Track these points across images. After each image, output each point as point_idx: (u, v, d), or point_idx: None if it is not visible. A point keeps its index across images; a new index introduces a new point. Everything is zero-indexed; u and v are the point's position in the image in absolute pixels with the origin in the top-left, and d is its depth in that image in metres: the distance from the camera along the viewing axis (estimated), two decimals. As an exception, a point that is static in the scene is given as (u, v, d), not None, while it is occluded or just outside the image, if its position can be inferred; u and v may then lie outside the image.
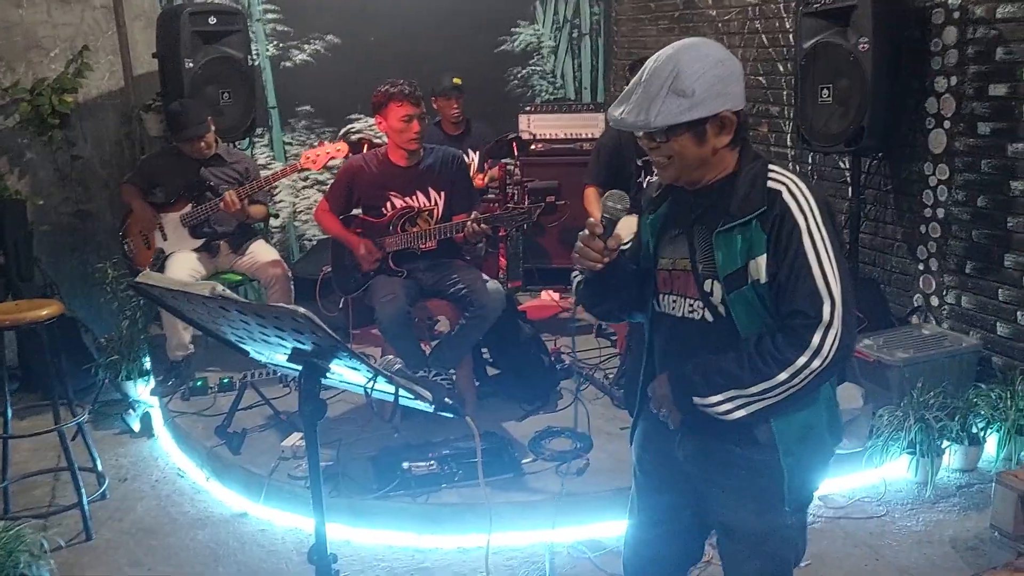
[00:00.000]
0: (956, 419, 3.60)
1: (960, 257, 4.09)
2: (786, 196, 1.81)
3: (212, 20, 5.22)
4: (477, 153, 5.56)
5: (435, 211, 3.92)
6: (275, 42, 6.08)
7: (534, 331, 4.33)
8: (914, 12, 4.00)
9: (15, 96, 5.56)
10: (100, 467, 3.88)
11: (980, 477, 3.67)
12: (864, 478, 3.67)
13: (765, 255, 1.79)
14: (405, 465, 3.53)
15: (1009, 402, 3.63)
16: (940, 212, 4.14)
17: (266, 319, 1.65)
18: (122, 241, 4.93)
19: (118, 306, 5.18)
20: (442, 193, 3.93)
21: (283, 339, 1.82)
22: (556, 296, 5.68)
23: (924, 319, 4.27)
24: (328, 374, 1.90)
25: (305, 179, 6.24)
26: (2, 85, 5.58)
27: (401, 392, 1.86)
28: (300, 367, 1.87)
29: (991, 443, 3.75)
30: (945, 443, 3.62)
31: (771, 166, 1.87)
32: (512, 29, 6.41)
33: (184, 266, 4.62)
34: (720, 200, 1.88)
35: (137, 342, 4.96)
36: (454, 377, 4.00)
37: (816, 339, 1.74)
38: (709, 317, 1.90)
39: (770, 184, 1.83)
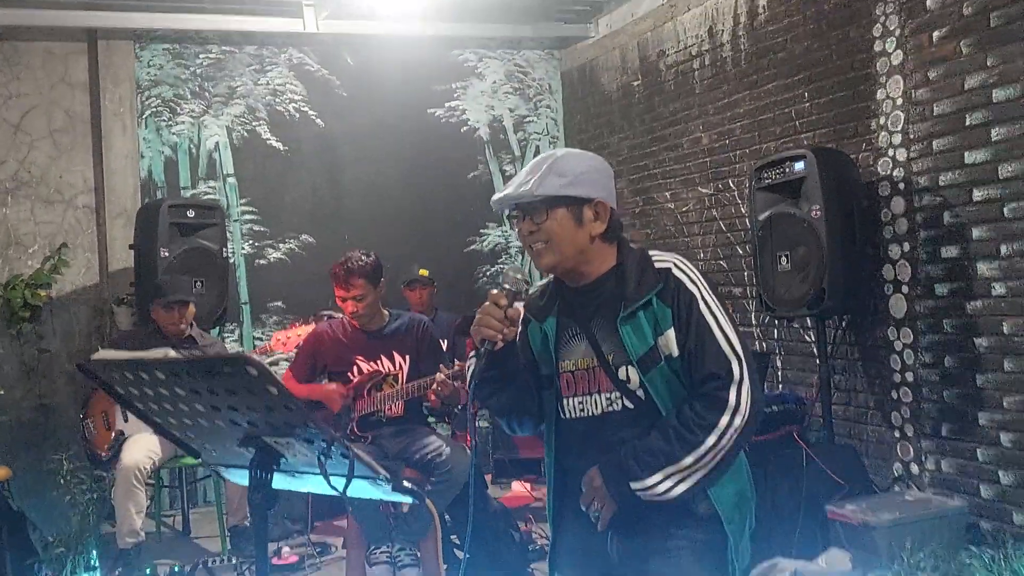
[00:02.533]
0: (951, 581, 3.41)
1: (935, 420, 4.05)
2: (676, 272, 1.93)
3: (191, 213, 5.40)
4: (445, 342, 5.59)
5: (400, 376, 3.88)
6: (251, 241, 6.26)
7: (503, 506, 4.15)
8: (861, 186, 4.23)
9: (-11, 291, 5.61)
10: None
11: (985, 648, 3.42)
12: (862, 650, 3.40)
13: (672, 328, 1.89)
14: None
15: (1003, 563, 3.45)
16: (909, 376, 4.15)
17: (216, 375, 1.57)
18: (82, 422, 4.78)
19: (70, 500, 4.95)
20: (407, 357, 3.91)
21: (235, 420, 1.74)
22: (528, 487, 5.53)
23: (907, 487, 4.15)
24: (282, 461, 1.79)
25: (275, 364, 6.18)
26: (-23, 281, 5.66)
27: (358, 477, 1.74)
28: (252, 450, 1.77)
29: (991, 611, 3.52)
30: (943, 609, 3.40)
31: (650, 251, 2.00)
32: (481, 231, 6.67)
33: (142, 448, 4.47)
34: (613, 290, 1.96)
35: (87, 536, 4.69)
36: (418, 553, 3.79)
37: (732, 397, 1.85)
38: (629, 404, 1.93)
39: (658, 264, 1.96)
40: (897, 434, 4.23)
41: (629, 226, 6.18)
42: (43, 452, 5.51)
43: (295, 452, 1.76)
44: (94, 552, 4.66)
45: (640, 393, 1.92)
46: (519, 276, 1.98)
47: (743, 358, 1.89)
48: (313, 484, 1.85)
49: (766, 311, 4.45)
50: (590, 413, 1.98)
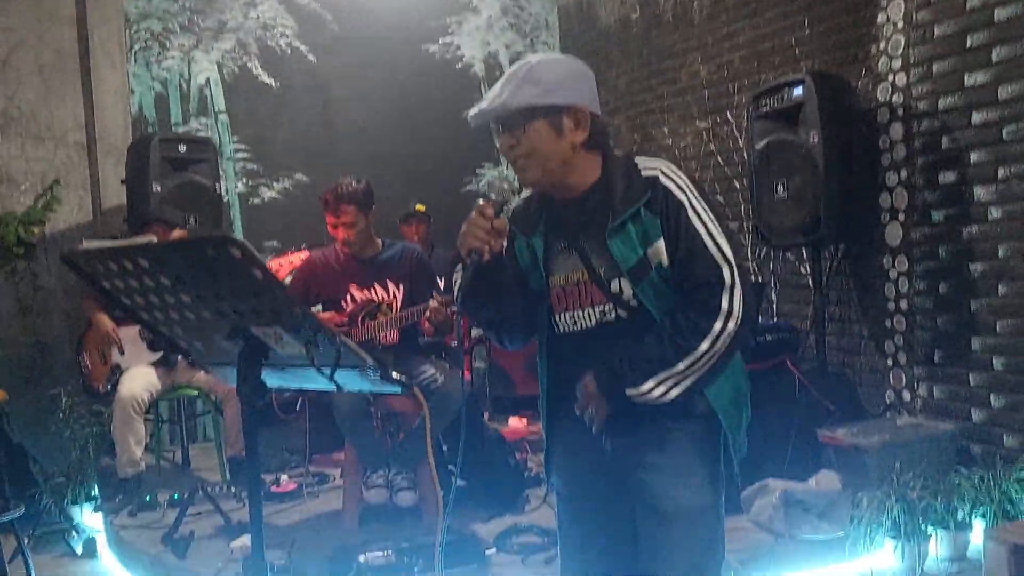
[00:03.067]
0: (939, 500, 3.43)
1: (927, 347, 4.06)
2: (663, 180, 1.89)
3: (182, 148, 5.35)
4: (442, 281, 5.58)
5: (394, 304, 3.87)
6: (244, 179, 6.21)
7: (498, 433, 4.18)
8: (860, 113, 4.19)
9: (-19, 227, 5.58)
10: (33, 573, 3.57)
11: (972, 566, 3.46)
12: (849, 568, 3.44)
13: (662, 238, 1.86)
14: (361, 558, 3.28)
15: (993, 483, 3.48)
16: (904, 304, 4.15)
17: (199, 259, 1.56)
18: (78, 356, 4.78)
19: (70, 434, 4.97)
20: (400, 286, 3.89)
21: (221, 310, 1.73)
22: (524, 422, 5.56)
23: (899, 413, 4.18)
24: (270, 354, 1.79)
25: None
26: (-30, 217, 5.62)
27: (346, 367, 1.74)
28: (240, 343, 1.76)
29: (978, 531, 3.56)
30: (930, 529, 3.43)
31: (636, 158, 1.95)
32: (477, 170, 6.62)
33: (140, 381, 4.47)
34: (600, 202, 1.92)
35: (87, 467, 4.73)
36: (413, 478, 3.81)
37: (725, 303, 1.84)
38: (623, 314, 1.93)
39: (645, 173, 1.91)
40: (890, 362, 4.24)
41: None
42: (42, 388, 5.51)
43: (283, 343, 1.75)
44: (95, 483, 4.72)
45: (633, 303, 1.92)
46: (505, 186, 1.96)
47: (733, 263, 1.87)
48: (302, 377, 1.85)
49: (762, 241, 4.43)
50: (583, 327, 1.97)
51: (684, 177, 1.93)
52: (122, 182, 5.50)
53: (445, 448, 4.28)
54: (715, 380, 1.90)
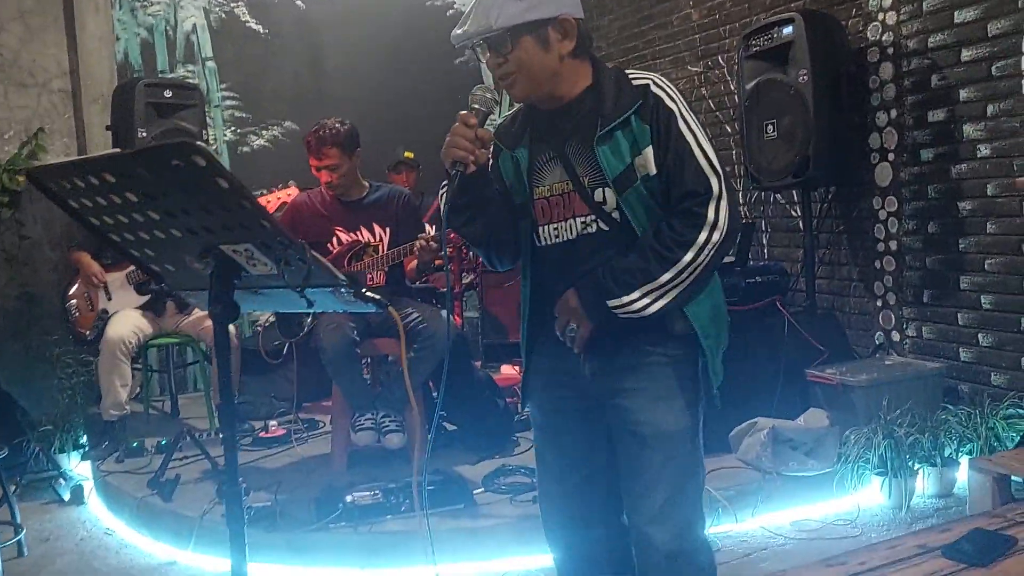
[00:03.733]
0: (927, 436, 3.44)
1: (916, 287, 4.05)
2: (654, 88, 1.86)
3: (168, 93, 5.26)
4: (433, 227, 5.55)
5: (380, 246, 3.84)
6: (233, 128, 6.14)
7: (487, 374, 4.17)
8: (850, 52, 4.13)
9: (-35, 176, 5.52)
10: (19, 519, 3.58)
11: (958, 502, 3.48)
12: (836, 505, 3.46)
13: (651, 146, 1.82)
14: (348, 498, 3.28)
15: (979, 419, 3.49)
16: (893, 244, 4.13)
17: (165, 170, 1.52)
18: (64, 304, 4.76)
19: (58, 384, 4.96)
20: (387, 228, 3.86)
21: (191, 227, 1.70)
22: (517, 369, 5.56)
23: (887, 354, 4.17)
24: (242, 274, 1.77)
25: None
26: (-47, 166, 5.56)
27: (316, 287, 1.71)
28: (212, 264, 1.73)
29: (965, 467, 3.57)
30: (917, 466, 3.45)
31: (627, 69, 1.92)
32: (469, 117, 6.55)
33: (127, 323, 4.45)
34: (589, 110, 1.89)
35: (74, 415, 4.72)
36: (402, 420, 3.81)
37: (711, 213, 1.80)
38: (604, 227, 1.89)
39: (635, 82, 1.88)
40: (879, 303, 4.23)
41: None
42: (29, 339, 5.49)
43: (255, 262, 1.73)
44: (82, 431, 4.72)
45: (616, 215, 1.89)
46: (488, 95, 1.90)
47: (721, 174, 1.84)
48: (275, 300, 1.83)
49: (752, 183, 4.39)
50: (565, 238, 1.94)
51: (674, 88, 1.90)
52: (107, 128, 5.44)
53: (435, 393, 4.28)
54: (696, 295, 1.87)
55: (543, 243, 1.98)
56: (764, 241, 4.91)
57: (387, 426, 3.81)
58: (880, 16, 4.07)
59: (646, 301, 1.83)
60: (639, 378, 1.91)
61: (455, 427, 4.27)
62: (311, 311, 1.77)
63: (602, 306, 1.85)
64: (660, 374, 1.90)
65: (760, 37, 4.18)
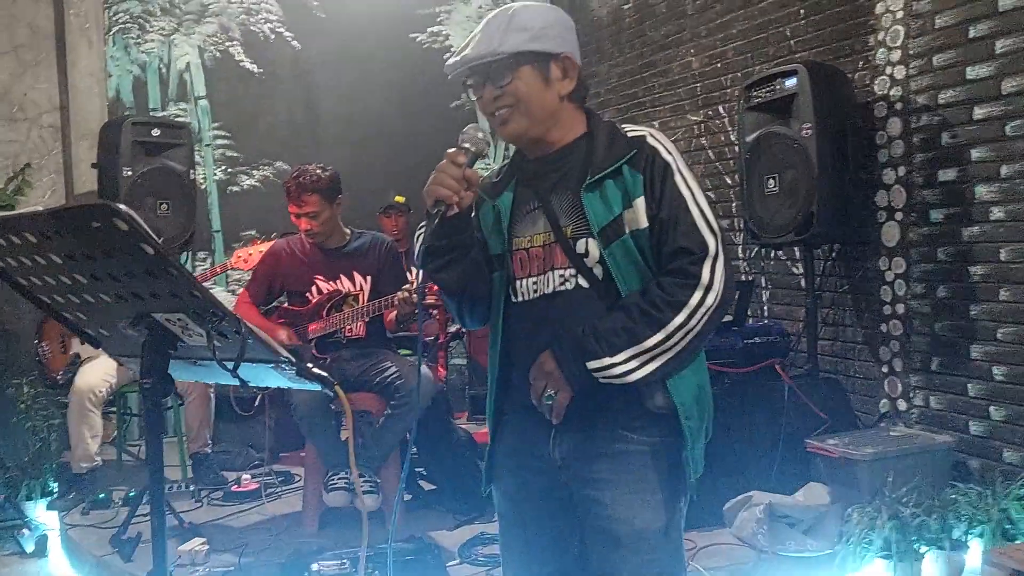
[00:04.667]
0: (934, 517, 3.23)
1: (924, 354, 3.85)
2: (650, 140, 1.74)
3: (156, 132, 5.13)
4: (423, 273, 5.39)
5: (360, 296, 3.67)
6: (223, 167, 6.02)
7: (468, 434, 3.98)
8: (856, 106, 3.99)
9: (-53, 210, 5.39)
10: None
11: (967, 588, 3.26)
12: (837, 587, 3.24)
13: (643, 197, 1.69)
14: (315, 566, 3.08)
15: (991, 500, 3.28)
16: (900, 308, 3.94)
17: (85, 233, 1.36)
18: (36, 346, 4.59)
19: (31, 427, 4.78)
20: (368, 278, 3.70)
21: (120, 293, 1.53)
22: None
23: (894, 423, 3.97)
24: (178, 344, 1.59)
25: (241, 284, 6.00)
26: (-63, 200, 5.43)
27: (256, 361, 1.54)
28: (144, 333, 1.56)
29: (975, 551, 3.35)
30: (924, 548, 3.23)
31: (623, 124, 1.81)
32: (464, 161, 6.44)
33: (97, 371, 4.27)
34: (579, 159, 1.76)
35: (44, 462, 4.53)
36: (378, 481, 3.61)
37: (706, 273, 1.65)
38: (584, 283, 1.74)
39: (631, 133, 1.76)
40: (885, 369, 4.04)
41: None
42: (4, 378, 5.32)
43: (190, 333, 1.56)
44: (51, 478, 4.52)
45: (598, 271, 1.73)
46: (480, 135, 1.76)
47: (718, 233, 1.71)
48: (213, 372, 1.65)
49: (752, 240, 4.23)
50: (542, 293, 1.78)
51: (671, 142, 1.79)
52: (93, 166, 5.31)
53: (414, 450, 4.08)
54: (684, 366, 1.70)
55: (518, 298, 1.81)
56: (764, 299, 4.73)
57: (361, 487, 3.61)
58: (888, 70, 3.93)
59: (632, 365, 1.65)
60: (614, 467, 1.73)
61: (433, 487, 4.07)
62: (243, 385, 1.59)
63: (583, 370, 1.67)
64: (636, 463, 1.72)
65: (762, 88, 4.04)
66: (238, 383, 1.53)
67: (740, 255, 4.88)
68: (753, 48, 4.71)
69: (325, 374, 1.55)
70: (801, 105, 3.82)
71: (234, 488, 4.15)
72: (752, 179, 4.10)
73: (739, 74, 4.82)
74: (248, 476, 4.28)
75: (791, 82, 3.88)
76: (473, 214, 1.84)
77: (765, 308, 4.74)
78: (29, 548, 4.07)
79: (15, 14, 5.60)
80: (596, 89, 6.13)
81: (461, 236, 1.76)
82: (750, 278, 4.76)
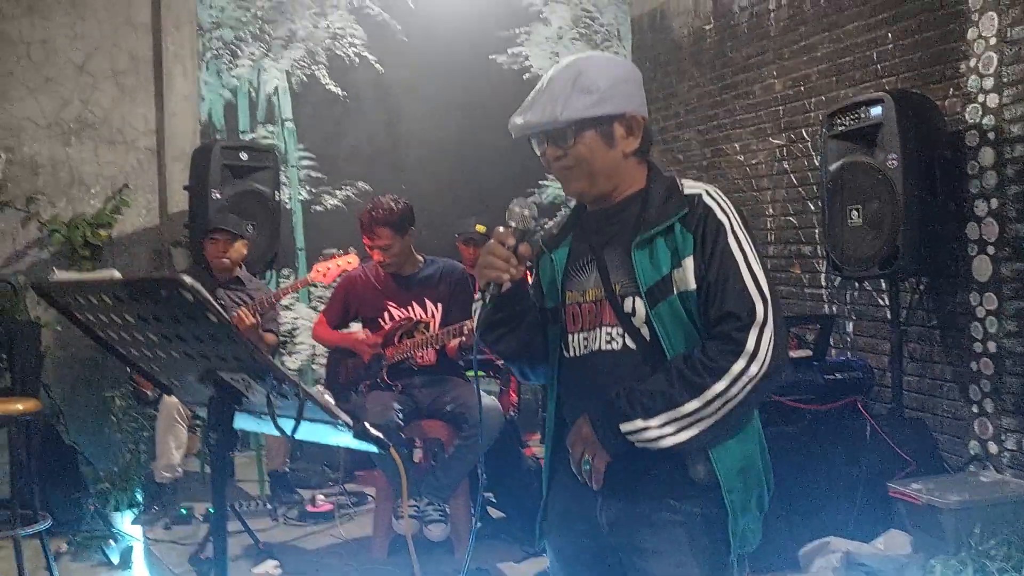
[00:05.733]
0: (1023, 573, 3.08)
1: (1018, 396, 3.68)
2: (707, 199, 1.70)
3: (244, 156, 5.33)
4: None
5: (432, 323, 3.72)
6: (308, 187, 6.17)
7: (538, 463, 3.97)
8: (945, 135, 3.84)
9: (52, 229, 5.67)
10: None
11: (1059, 647, 3.09)
12: (917, 640, 3.12)
13: (692, 256, 1.65)
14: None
15: (1087, 555, 3.11)
16: (992, 346, 3.78)
17: (156, 300, 1.42)
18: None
19: (122, 437, 4.98)
20: (439, 305, 3.75)
21: (188, 352, 1.59)
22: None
23: (983, 467, 3.80)
24: (243, 401, 1.64)
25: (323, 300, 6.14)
26: (41, 219, 5.72)
27: (314, 418, 1.57)
28: (211, 389, 1.62)
29: (1069, 607, 3.18)
30: (1012, 602, 3.08)
31: (684, 179, 1.77)
32: (540, 182, 6.45)
33: (184, 390, 4.42)
34: (634, 214, 1.73)
35: (134, 473, 4.72)
36: (447, 509, 3.64)
37: (751, 341, 1.59)
38: (631, 344, 1.70)
39: (687, 190, 1.73)
40: (975, 409, 3.87)
41: (695, 179, 5.86)
42: (99, 389, 5.56)
43: (253, 391, 1.60)
44: (138, 490, 4.70)
45: (644, 331, 1.69)
46: (526, 212, 1.76)
47: (769, 300, 1.64)
48: (282, 424, 1.69)
49: (835, 271, 4.11)
50: (592, 350, 1.76)
51: (728, 201, 1.74)
52: (184, 188, 5.51)
53: (483, 475, 4.09)
54: (725, 437, 1.66)
55: (570, 353, 1.80)
56: (848, 329, 4.59)
57: (430, 515, 3.65)
58: (980, 98, 3.77)
59: (667, 431, 1.61)
60: (659, 538, 1.69)
61: (502, 515, 4.08)
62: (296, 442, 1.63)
63: (618, 434, 1.64)
64: (681, 535, 1.68)
65: (846, 116, 3.92)
66: (297, 441, 1.56)
67: (823, 284, 4.75)
68: (838, 72, 4.59)
69: (381, 436, 1.57)
70: (886, 135, 3.70)
71: (308, 508, 4.24)
72: (834, 210, 3.99)
73: (823, 98, 4.69)
74: (323, 496, 4.36)
75: (876, 111, 3.76)
76: (533, 267, 1.85)
77: (849, 340, 4.59)
78: (115, 559, 4.23)
79: (116, 43, 5.86)
80: (676, 109, 6.07)
81: (516, 308, 1.77)
82: (833, 309, 4.63)
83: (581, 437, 1.69)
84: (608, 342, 1.73)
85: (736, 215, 1.71)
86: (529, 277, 1.86)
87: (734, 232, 1.68)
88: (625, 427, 1.63)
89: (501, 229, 1.76)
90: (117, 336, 1.70)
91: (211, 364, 1.58)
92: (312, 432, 1.61)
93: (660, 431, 1.61)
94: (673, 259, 1.67)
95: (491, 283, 1.73)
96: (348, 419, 1.55)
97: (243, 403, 1.66)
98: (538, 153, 1.80)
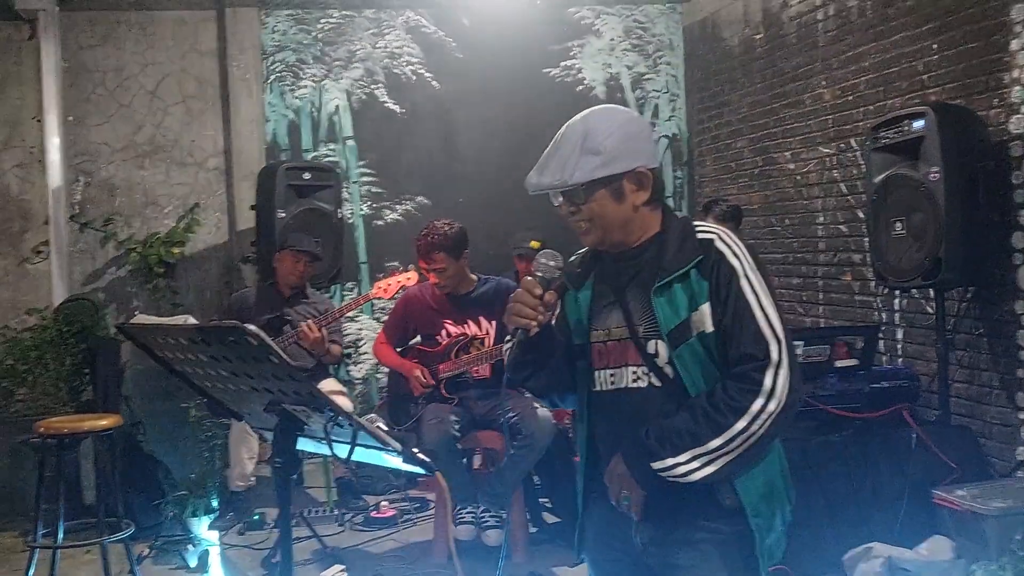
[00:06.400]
0: (1066, 579, 3.12)
1: (1065, 403, 3.70)
2: (719, 244, 1.82)
3: (307, 176, 5.58)
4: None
5: (487, 339, 3.89)
6: (369, 202, 6.41)
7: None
8: (989, 146, 3.87)
9: (128, 248, 6.02)
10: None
11: (1104, 654, 3.12)
12: (960, 646, 3.18)
13: (708, 303, 1.78)
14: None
15: None
16: (1038, 354, 3.80)
17: (225, 342, 1.62)
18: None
19: (197, 447, 5.26)
20: (493, 322, 3.92)
21: (255, 386, 1.79)
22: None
23: (1030, 474, 3.83)
24: (305, 427, 1.83)
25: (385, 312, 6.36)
26: (119, 238, 6.08)
27: (367, 444, 1.76)
28: (276, 418, 1.81)
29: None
30: (1056, 610, 3.12)
31: (695, 221, 1.89)
32: (597, 192, 6.58)
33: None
34: (652, 259, 1.86)
35: (208, 481, 5.00)
36: (504, 515, 3.81)
37: (768, 381, 1.73)
38: (656, 382, 1.84)
39: (700, 235, 1.85)
40: (1023, 416, 3.89)
41: (747, 187, 5.93)
42: (176, 400, 5.85)
43: (312, 420, 1.79)
44: (214, 496, 4.98)
45: (668, 370, 1.84)
46: (552, 263, 1.91)
47: (783, 340, 1.77)
48: (338, 449, 1.88)
49: (880, 281, 4.16)
50: (618, 386, 1.91)
51: (741, 244, 1.86)
52: (251, 208, 5.79)
53: (537, 480, 4.27)
54: (748, 467, 1.79)
55: (598, 387, 1.95)
56: (898, 337, 4.63)
57: (487, 521, 3.82)
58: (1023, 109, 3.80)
59: (693, 466, 1.75)
60: (692, 555, 1.84)
61: (558, 519, 4.23)
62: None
63: (650, 470, 1.79)
64: (713, 553, 1.83)
65: (889, 130, 3.98)
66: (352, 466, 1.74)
67: (874, 292, 4.79)
68: (885, 82, 4.62)
69: (428, 460, 1.75)
70: (929, 148, 3.75)
71: (373, 514, 4.46)
72: (879, 221, 4.04)
73: (871, 107, 4.74)
74: (387, 503, 4.58)
75: (919, 124, 3.81)
76: (559, 303, 1.99)
77: (899, 347, 4.63)
78: (192, 563, 4.51)
79: (185, 68, 6.19)
80: (728, 118, 6.14)
81: (542, 349, 1.92)
82: (883, 317, 4.67)
83: (617, 475, 1.84)
84: (635, 380, 1.87)
85: (748, 257, 1.83)
86: (554, 318, 2.00)
87: (746, 275, 1.80)
88: (656, 465, 1.77)
89: (529, 279, 1.91)
90: (192, 371, 1.91)
91: (275, 397, 1.77)
92: (366, 455, 1.79)
93: (688, 467, 1.75)
94: (691, 304, 1.81)
95: (519, 329, 1.88)
96: (397, 446, 1.72)
97: (304, 429, 1.86)
98: (555, 205, 1.94)
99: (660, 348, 1.83)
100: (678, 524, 1.85)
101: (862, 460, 3.71)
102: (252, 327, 1.54)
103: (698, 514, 1.83)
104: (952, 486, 3.60)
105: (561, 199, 1.90)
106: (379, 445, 1.73)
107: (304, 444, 1.89)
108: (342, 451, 1.77)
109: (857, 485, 3.66)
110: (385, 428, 3.90)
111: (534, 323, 1.86)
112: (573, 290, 2.00)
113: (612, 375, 1.91)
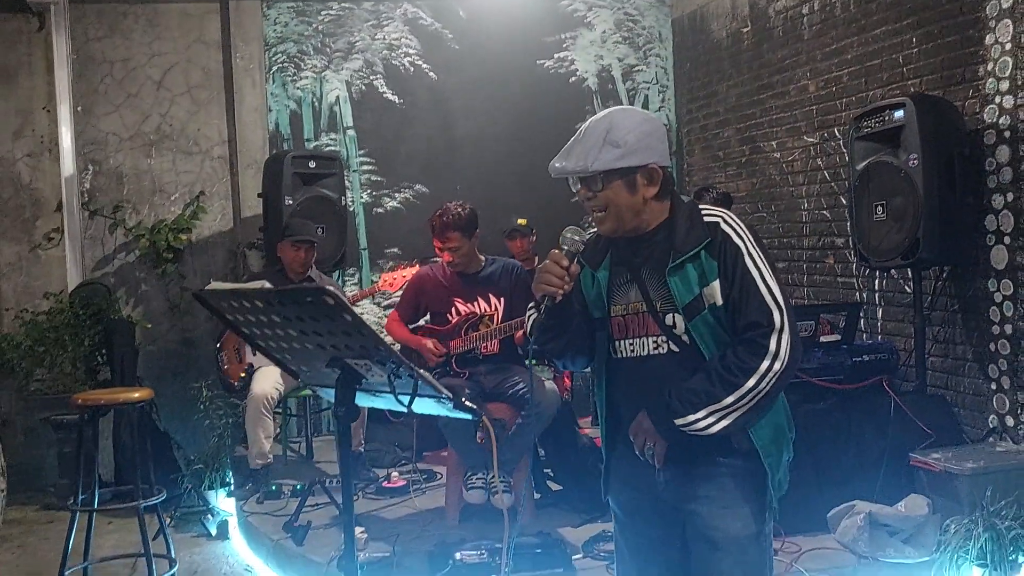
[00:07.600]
0: (1031, 530, 3.41)
1: (1032, 373, 3.99)
2: (724, 226, 2.08)
3: (312, 164, 5.78)
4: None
5: (495, 316, 4.13)
6: (369, 190, 6.62)
7: (592, 441, 4.37)
8: (965, 134, 4.15)
9: (137, 234, 6.20)
10: (174, 553, 4.04)
11: (1066, 598, 3.42)
12: (935, 594, 3.47)
13: (717, 280, 2.04)
14: (457, 555, 3.55)
15: (1092, 515, 3.43)
16: (1008, 328, 4.09)
17: (301, 304, 1.84)
18: (217, 354, 5.27)
19: (209, 424, 5.46)
20: (502, 299, 4.15)
21: (321, 344, 2.01)
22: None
23: (1000, 439, 4.12)
24: (363, 381, 2.06)
25: (388, 309, 6.58)
26: (127, 225, 6.26)
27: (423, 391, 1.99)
28: (337, 371, 2.04)
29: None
30: (1020, 558, 3.41)
31: (701, 205, 2.15)
32: (590, 180, 6.82)
33: (269, 379, 4.89)
34: (663, 241, 2.12)
35: (223, 455, 5.22)
36: (511, 481, 4.06)
37: (772, 344, 2.00)
38: (675, 348, 2.11)
39: (707, 219, 2.11)
40: (993, 386, 4.19)
41: (734, 175, 6.20)
42: (187, 380, 6.06)
43: (372, 373, 2.03)
44: (228, 470, 5.21)
45: (685, 338, 2.10)
46: (577, 237, 2.15)
47: (784, 308, 2.03)
48: (390, 401, 2.12)
49: (862, 261, 4.44)
50: (639, 354, 2.16)
51: (743, 225, 2.12)
52: (259, 196, 5.99)
53: (542, 452, 4.52)
54: (758, 419, 2.06)
55: (619, 355, 2.21)
56: (879, 315, 4.92)
57: (495, 487, 4.07)
58: (997, 99, 4.07)
59: (710, 420, 2.02)
60: (710, 487, 2.10)
61: (560, 487, 4.49)
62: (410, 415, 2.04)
63: (673, 426, 2.06)
64: (728, 485, 2.10)
65: (871, 119, 4.25)
66: (410, 413, 1.98)
67: (854, 272, 5.07)
68: (867, 74, 4.90)
69: (475, 407, 1.99)
70: (908, 136, 4.03)
71: (384, 484, 4.69)
72: (861, 205, 4.32)
73: (853, 98, 5.01)
74: (396, 473, 4.81)
75: (899, 114, 4.08)
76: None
77: (879, 324, 4.92)
78: (213, 531, 4.75)
79: (190, 59, 6.36)
80: (716, 108, 6.40)
81: (565, 315, 2.16)
82: (863, 296, 4.96)
83: (643, 430, 2.11)
84: (655, 348, 2.13)
85: (750, 237, 2.09)
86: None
87: (750, 253, 2.07)
88: (679, 422, 2.04)
89: (556, 251, 2.15)
90: (260, 332, 2.13)
91: (339, 353, 2.00)
92: (420, 405, 2.02)
93: (705, 421, 2.03)
94: (702, 281, 2.07)
95: (546, 296, 2.12)
96: (449, 393, 1.96)
97: (362, 383, 2.09)
98: (573, 191, 2.19)
99: (677, 320, 2.10)
100: (696, 462, 2.11)
101: (845, 427, 3.99)
102: (331, 288, 1.76)
103: (714, 451, 2.10)
104: (928, 450, 3.89)
105: (580, 185, 2.14)
106: (434, 394, 1.96)
107: (360, 399, 2.12)
108: (403, 400, 1.99)
109: (841, 449, 3.94)
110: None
111: (560, 291, 2.10)
112: (590, 268, 2.24)
113: (631, 344, 2.17)
